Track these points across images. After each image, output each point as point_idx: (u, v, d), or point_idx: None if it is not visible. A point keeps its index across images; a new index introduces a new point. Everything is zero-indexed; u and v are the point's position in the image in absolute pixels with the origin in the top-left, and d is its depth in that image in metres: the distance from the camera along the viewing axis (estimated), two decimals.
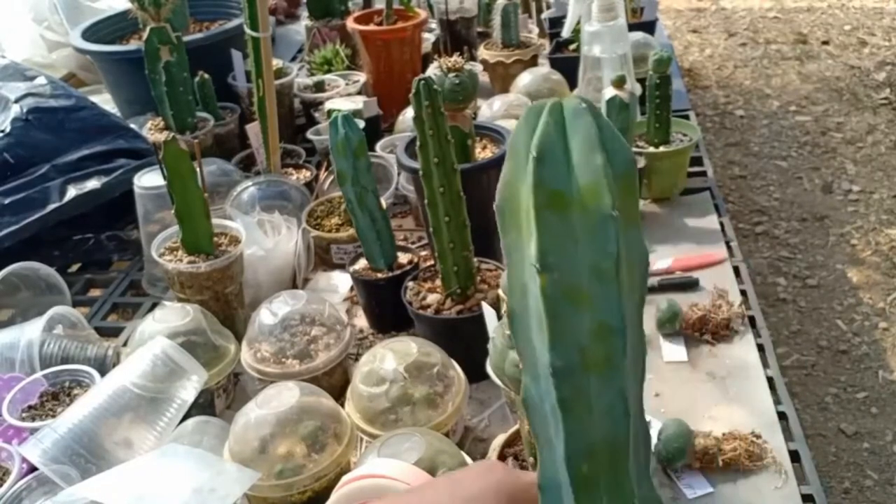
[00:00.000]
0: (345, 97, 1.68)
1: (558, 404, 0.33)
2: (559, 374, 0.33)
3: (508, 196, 0.35)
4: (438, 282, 1.07)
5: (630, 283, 0.34)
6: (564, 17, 1.68)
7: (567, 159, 0.32)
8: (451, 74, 1.08)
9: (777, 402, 1.00)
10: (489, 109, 1.54)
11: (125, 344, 1.11)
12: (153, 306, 1.22)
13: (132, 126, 1.56)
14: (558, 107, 0.33)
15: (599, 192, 0.32)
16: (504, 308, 0.89)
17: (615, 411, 0.34)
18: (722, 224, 1.37)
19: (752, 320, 1.14)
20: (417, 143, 1.00)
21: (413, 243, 1.30)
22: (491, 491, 0.38)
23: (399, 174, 1.42)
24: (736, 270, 1.25)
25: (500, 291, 1.00)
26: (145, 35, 1.51)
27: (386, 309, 1.17)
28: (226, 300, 1.16)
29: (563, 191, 0.32)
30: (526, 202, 0.33)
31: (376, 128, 1.61)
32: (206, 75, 1.63)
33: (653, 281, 1.22)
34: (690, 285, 1.22)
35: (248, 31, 1.39)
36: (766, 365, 1.07)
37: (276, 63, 1.60)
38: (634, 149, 1.39)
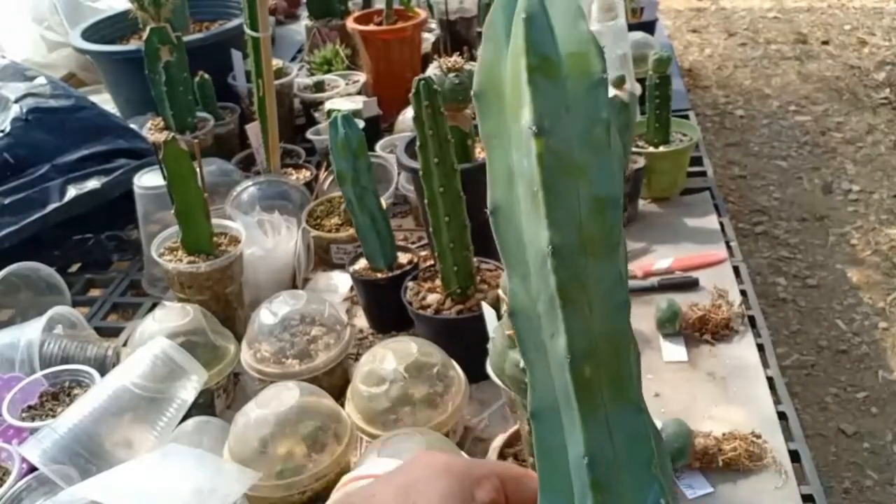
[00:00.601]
0: (345, 97, 1.68)
1: (557, 293, 0.31)
2: (558, 253, 0.31)
3: (489, 78, 0.34)
4: (438, 282, 1.07)
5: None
6: None
7: (551, 28, 0.32)
8: (451, 74, 1.08)
9: (777, 402, 1.01)
10: None
11: (125, 344, 1.11)
12: (153, 306, 1.22)
13: (132, 126, 1.56)
14: None
15: (587, 57, 0.32)
16: (502, 305, 0.89)
17: (615, 299, 0.32)
18: (722, 224, 1.37)
19: (752, 320, 1.14)
20: (417, 143, 1.00)
21: (413, 243, 1.30)
22: (438, 471, 0.36)
23: (399, 174, 1.42)
24: (736, 270, 1.25)
25: (500, 292, 1.00)
26: (145, 35, 1.51)
27: (386, 309, 1.17)
28: (226, 300, 1.16)
29: (551, 56, 0.32)
30: (512, 74, 0.32)
31: (376, 128, 1.60)
32: (206, 75, 1.63)
33: (653, 281, 1.23)
34: (690, 285, 1.22)
35: (248, 31, 1.39)
36: (766, 365, 1.07)
37: (276, 63, 1.59)
38: (634, 149, 1.39)
